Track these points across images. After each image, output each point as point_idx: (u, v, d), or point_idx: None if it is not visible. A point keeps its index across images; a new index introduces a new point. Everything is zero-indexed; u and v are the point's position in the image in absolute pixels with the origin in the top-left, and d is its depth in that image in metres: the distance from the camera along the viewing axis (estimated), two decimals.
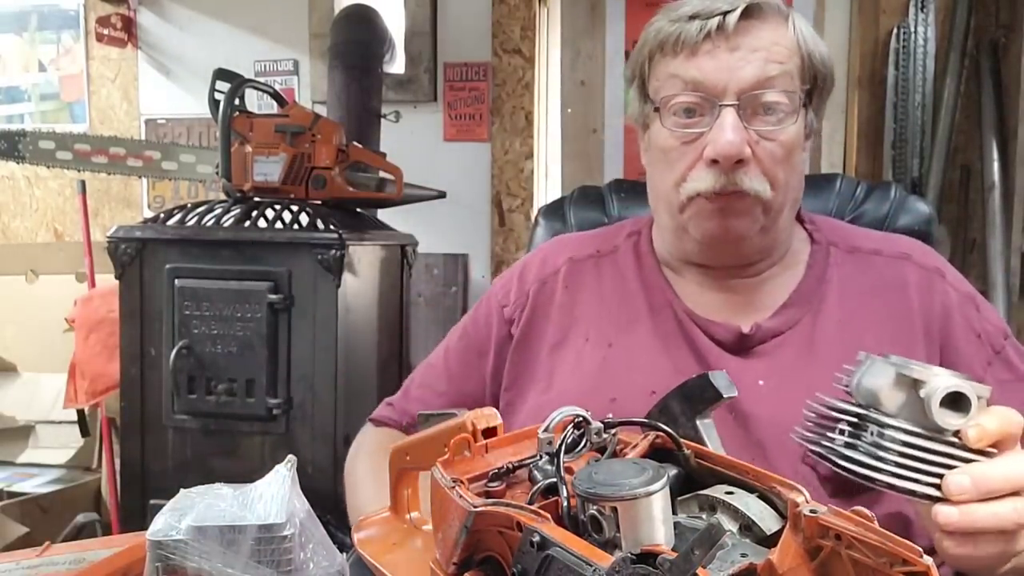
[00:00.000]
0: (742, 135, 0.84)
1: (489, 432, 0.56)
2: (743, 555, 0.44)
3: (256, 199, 1.87)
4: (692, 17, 0.86)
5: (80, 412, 2.40)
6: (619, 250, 1.02)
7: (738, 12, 0.84)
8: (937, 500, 0.58)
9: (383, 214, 2.27)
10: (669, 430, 0.55)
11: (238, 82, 1.85)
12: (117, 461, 2.22)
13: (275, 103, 1.97)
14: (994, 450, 0.60)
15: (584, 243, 1.06)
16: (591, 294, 0.99)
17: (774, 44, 0.86)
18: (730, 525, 0.48)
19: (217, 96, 1.85)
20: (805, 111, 0.89)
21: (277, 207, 1.84)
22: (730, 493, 0.49)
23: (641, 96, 0.94)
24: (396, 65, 2.69)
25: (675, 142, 0.88)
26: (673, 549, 0.41)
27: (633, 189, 1.27)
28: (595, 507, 0.45)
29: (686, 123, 0.87)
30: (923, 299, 0.91)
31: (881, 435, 0.58)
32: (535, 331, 0.98)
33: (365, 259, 1.86)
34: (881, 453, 0.57)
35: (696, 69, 0.85)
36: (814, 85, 0.90)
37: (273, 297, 1.71)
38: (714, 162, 0.84)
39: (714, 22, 0.84)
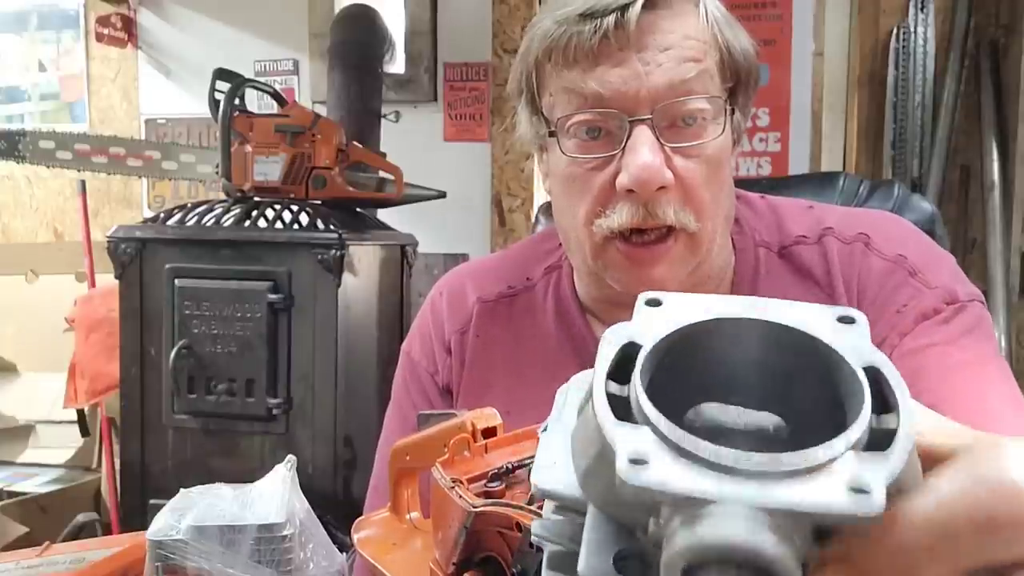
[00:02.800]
0: (660, 156, 0.70)
1: (489, 432, 0.56)
2: None
3: (256, 199, 1.87)
4: (584, 16, 0.70)
5: (80, 412, 2.39)
6: (535, 288, 0.88)
7: (639, 4, 0.69)
8: None
9: (383, 214, 2.27)
10: None
11: (238, 82, 1.85)
12: (117, 461, 2.22)
13: (275, 103, 1.97)
14: None
15: (490, 276, 0.90)
16: (504, 349, 0.85)
17: (686, 39, 0.71)
18: None
19: (217, 96, 1.85)
20: (731, 115, 0.75)
21: (277, 207, 1.84)
22: None
23: (532, 113, 0.79)
24: (396, 65, 2.69)
25: (579, 169, 0.74)
26: None
27: None
28: None
29: (590, 146, 0.73)
30: (846, 275, 0.78)
31: None
32: (474, 391, 0.86)
33: (365, 259, 1.86)
34: None
35: (596, 81, 0.70)
36: (737, 82, 0.75)
37: (273, 297, 1.71)
38: (630, 191, 0.70)
39: (611, 20, 0.69)
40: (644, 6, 0.69)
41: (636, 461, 0.21)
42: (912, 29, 2.47)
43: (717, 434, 0.25)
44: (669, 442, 0.21)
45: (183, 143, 2.81)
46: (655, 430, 0.21)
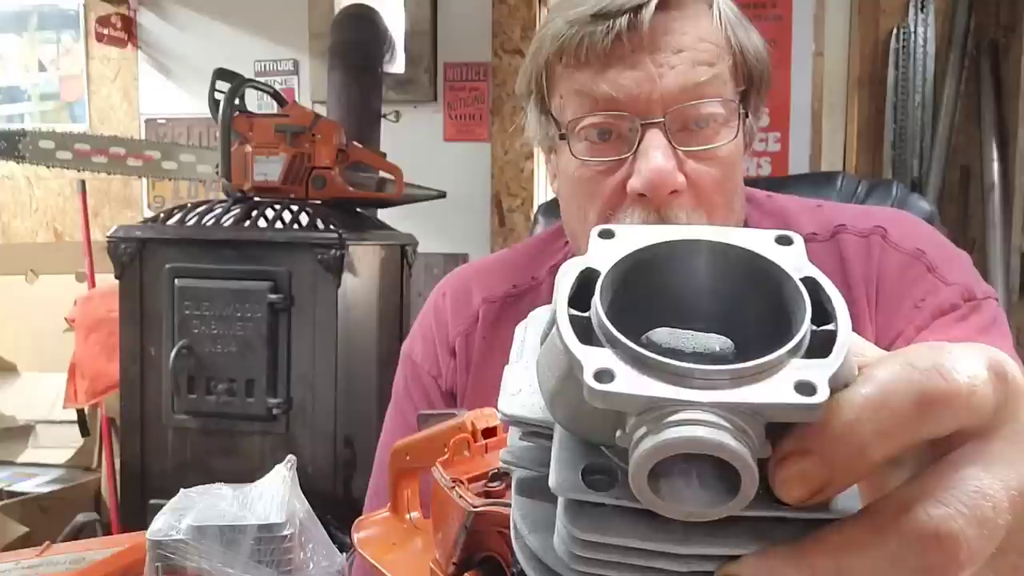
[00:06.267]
0: (672, 160, 0.69)
1: (489, 432, 0.56)
2: None
3: (256, 199, 1.87)
4: (596, 17, 0.69)
5: (80, 412, 2.40)
6: (541, 288, 0.86)
7: (653, 5, 0.68)
8: None
9: (383, 214, 2.27)
10: None
11: (238, 82, 1.85)
12: (117, 461, 2.22)
13: (275, 103, 1.97)
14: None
15: (495, 276, 0.89)
16: (509, 350, 0.85)
17: (700, 41, 0.70)
18: None
19: (217, 96, 1.85)
20: (743, 119, 0.74)
21: (277, 207, 1.84)
22: None
23: (541, 113, 0.78)
24: (396, 65, 2.69)
25: (589, 172, 0.73)
26: None
27: None
28: None
29: (601, 148, 0.72)
30: (865, 269, 0.77)
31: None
32: (479, 392, 0.85)
33: (365, 259, 1.86)
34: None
35: (608, 83, 0.69)
36: (750, 84, 0.75)
37: (273, 297, 1.71)
38: (641, 195, 0.69)
39: (623, 21, 0.68)
40: (657, 7, 0.68)
41: (602, 375, 0.22)
42: (912, 29, 2.47)
43: (670, 357, 0.26)
44: (631, 358, 0.23)
45: (183, 143, 2.81)
46: (617, 348, 0.23)
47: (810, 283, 0.25)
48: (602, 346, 0.23)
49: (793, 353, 0.23)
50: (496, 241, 2.69)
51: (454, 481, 0.50)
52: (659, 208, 0.70)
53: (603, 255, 0.26)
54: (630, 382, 0.22)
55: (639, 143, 0.69)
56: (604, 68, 0.70)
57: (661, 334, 0.26)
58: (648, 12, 0.68)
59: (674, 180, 0.69)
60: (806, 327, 0.23)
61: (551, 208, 1.29)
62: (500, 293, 0.88)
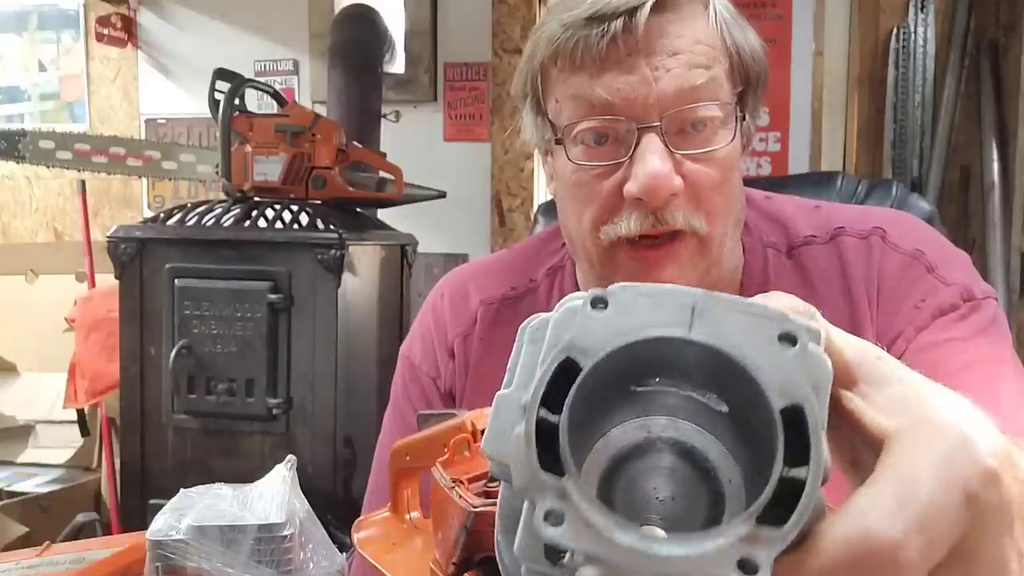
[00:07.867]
0: (669, 163, 0.68)
1: None
2: None
3: (256, 199, 1.87)
4: (590, 20, 0.68)
5: (80, 412, 2.40)
6: (538, 290, 0.86)
7: (648, 7, 0.67)
8: None
9: (383, 214, 2.27)
10: None
11: (238, 82, 1.85)
12: (117, 461, 2.22)
13: (275, 103, 1.97)
14: None
15: (493, 277, 0.89)
16: (507, 352, 0.82)
17: (696, 44, 0.69)
18: None
19: (217, 96, 1.85)
20: (740, 121, 0.73)
21: (277, 207, 1.84)
22: None
23: (537, 116, 0.77)
24: (396, 65, 2.70)
25: (585, 176, 0.72)
26: None
27: None
28: None
29: (597, 152, 0.71)
30: (865, 270, 0.77)
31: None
32: (478, 394, 0.84)
33: (365, 259, 1.86)
34: None
35: (603, 88, 0.69)
36: (747, 86, 0.74)
37: (273, 297, 1.71)
38: (638, 199, 0.69)
39: (618, 24, 0.67)
40: (652, 9, 0.67)
41: (550, 516, 0.22)
42: (912, 29, 2.47)
43: (662, 402, 0.26)
44: (587, 501, 0.23)
45: (183, 143, 2.81)
46: (575, 484, 0.23)
47: (790, 413, 0.23)
48: (561, 475, 0.23)
49: (750, 516, 0.22)
50: (496, 241, 2.69)
51: (454, 481, 0.50)
52: (656, 210, 0.69)
53: (587, 338, 0.25)
54: (576, 533, 0.22)
55: (635, 147, 0.69)
56: (599, 72, 0.69)
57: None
58: (643, 15, 0.67)
59: (671, 184, 0.68)
60: (768, 490, 0.23)
61: (551, 208, 1.28)
62: (498, 295, 0.87)
